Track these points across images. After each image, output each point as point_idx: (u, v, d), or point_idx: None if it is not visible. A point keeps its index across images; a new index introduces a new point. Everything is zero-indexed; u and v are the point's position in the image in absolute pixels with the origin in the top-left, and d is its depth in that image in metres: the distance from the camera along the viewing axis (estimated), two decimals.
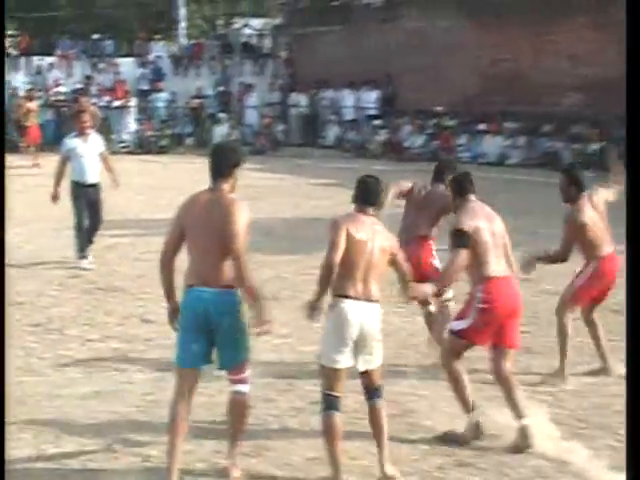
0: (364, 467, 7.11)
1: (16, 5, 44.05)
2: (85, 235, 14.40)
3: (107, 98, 34.22)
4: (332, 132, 35.28)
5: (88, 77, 36.31)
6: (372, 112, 34.47)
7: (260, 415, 8.18)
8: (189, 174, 21.84)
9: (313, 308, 6.97)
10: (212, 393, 8.17)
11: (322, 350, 7.05)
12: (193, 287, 6.82)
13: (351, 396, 7.40)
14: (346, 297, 6.86)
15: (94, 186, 14.38)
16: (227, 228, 6.72)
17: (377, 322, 7.01)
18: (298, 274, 13.33)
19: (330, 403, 6.90)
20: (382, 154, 31.86)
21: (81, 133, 14.47)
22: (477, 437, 7.65)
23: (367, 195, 7.16)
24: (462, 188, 8.10)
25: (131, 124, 34.00)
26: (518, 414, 7.53)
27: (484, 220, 7.78)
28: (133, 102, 35.11)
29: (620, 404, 8.50)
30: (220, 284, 6.74)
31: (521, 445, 7.41)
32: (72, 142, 14.39)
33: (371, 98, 34.76)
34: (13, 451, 7.42)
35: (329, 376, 6.94)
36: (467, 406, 7.76)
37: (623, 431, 7.83)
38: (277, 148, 33.22)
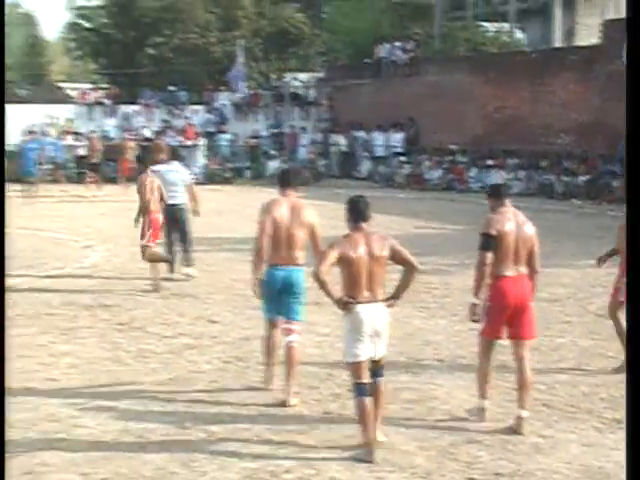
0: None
1: (108, 63, 44.63)
2: (174, 249, 14.41)
3: (180, 138, 34.36)
4: (365, 166, 35.29)
5: (165, 121, 36.51)
6: (398, 150, 34.42)
7: (306, 400, 8.19)
8: (247, 201, 21.98)
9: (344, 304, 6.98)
10: None
11: (345, 349, 7.08)
12: (277, 266, 8.17)
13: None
14: (358, 303, 6.88)
15: (181, 208, 14.38)
16: (305, 221, 8.23)
17: (384, 318, 7.02)
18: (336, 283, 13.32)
19: (360, 390, 6.91)
20: (406, 185, 31.83)
21: (164, 164, 14.50)
22: (482, 420, 7.63)
23: (358, 214, 7.12)
24: (498, 194, 7.97)
25: (200, 160, 34.12)
26: (522, 405, 7.48)
27: (513, 225, 7.61)
28: (202, 142, 35.25)
29: (605, 393, 8.48)
30: (296, 263, 8.22)
31: (518, 430, 7.37)
32: (163, 170, 14.36)
33: (397, 138, 34.74)
34: (102, 426, 7.47)
35: (355, 369, 6.95)
36: (483, 394, 7.73)
37: (607, 415, 7.82)
38: (319, 179, 33.21)
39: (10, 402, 8.02)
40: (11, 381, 8.67)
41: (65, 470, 6.63)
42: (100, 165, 31.49)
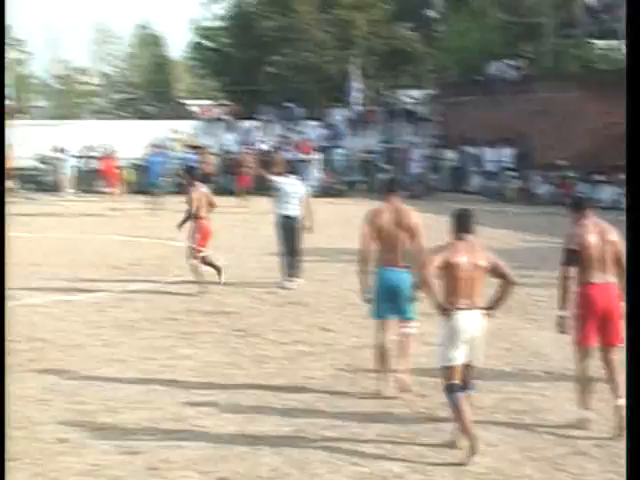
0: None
1: (229, 81, 45.35)
2: (288, 260, 14.56)
3: (296, 153, 34.68)
4: (475, 181, 35.05)
5: (282, 136, 36.90)
6: (508, 165, 34.06)
7: (416, 407, 8.19)
8: (360, 213, 21.86)
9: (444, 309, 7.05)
10: None
11: (440, 353, 7.14)
12: (386, 268, 8.52)
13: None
14: (457, 309, 6.92)
15: (294, 219, 14.53)
16: (409, 224, 8.57)
17: (481, 326, 7.02)
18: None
19: (453, 388, 6.98)
20: (516, 199, 31.47)
21: (280, 176, 14.78)
22: (586, 430, 7.54)
23: (462, 225, 7.21)
24: (579, 206, 7.95)
25: (315, 173, 34.36)
26: (617, 394, 7.41)
27: (595, 235, 7.61)
28: (316, 156, 35.51)
29: None
30: (403, 265, 8.47)
31: (619, 424, 7.25)
32: (279, 182, 14.60)
33: (507, 154, 34.38)
34: (220, 427, 7.58)
35: (449, 372, 7.02)
36: (584, 404, 7.64)
37: None
38: (430, 193, 33.08)
39: (136, 401, 8.25)
40: (136, 382, 8.91)
41: (186, 468, 6.75)
42: (214, 178, 31.67)
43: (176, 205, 27.96)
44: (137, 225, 23.35)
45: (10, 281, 14.80)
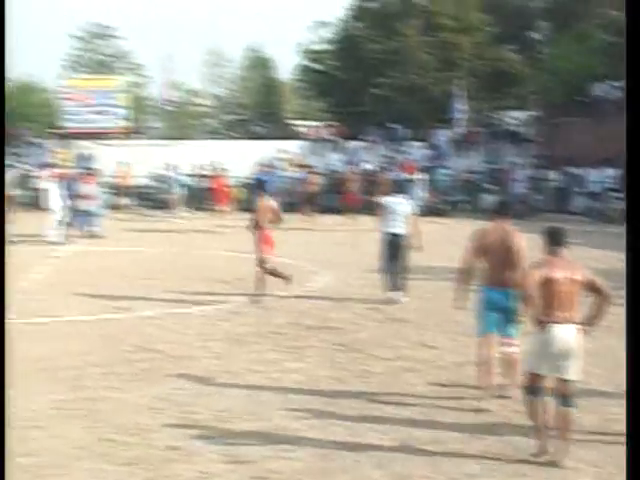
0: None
1: (335, 102, 45.63)
2: (392, 276, 14.54)
3: (401, 173, 34.65)
4: (578, 202, 34.41)
5: (387, 157, 36.91)
6: (611, 186, 33.36)
7: (519, 424, 8.06)
8: (464, 232, 21.68)
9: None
10: None
11: (527, 359, 7.34)
12: (492, 286, 8.64)
13: None
14: (552, 322, 6.95)
15: (401, 237, 14.47)
16: (516, 247, 8.65)
17: (576, 340, 7.02)
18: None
19: (532, 390, 7.12)
20: (619, 220, 30.76)
21: (386, 195, 14.83)
22: None
23: (555, 241, 7.33)
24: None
25: (419, 193, 34.23)
26: None
27: None
28: (420, 176, 35.38)
29: None
30: (508, 285, 8.35)
31: None
32: (386, 201, 14.64)
33: (610, 174, 33.68)
34: (325, 440, 7.58)
35: (532, 378, 7.14)
36: None
37: None
38: (534, 214, 32.58)
39: (245, 412, 8.33)
40: (245, 393, 9.00)
41: (291, 478, 6.77)
42: (318, 197, 31.74)
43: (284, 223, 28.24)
44: (244, 241, 23.60)
45: (125, 293, 15.20)
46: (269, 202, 14.75)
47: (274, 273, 14.58)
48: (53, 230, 22.96)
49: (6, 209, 16.01)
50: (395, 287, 14.42)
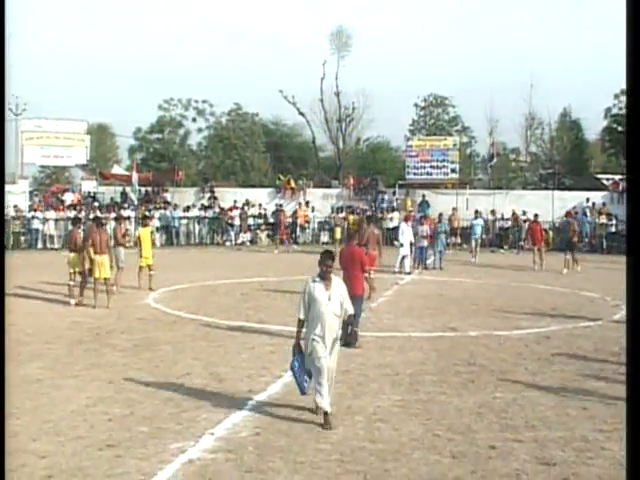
0: None
1: None
2: None
3: None
4: None
5: None
6: None
7: None
8: None
9: None
10: None
11: None
12: None
13: None
14: None
15: None
16: None
17: None
18: None
19: None
20: None
21: None
22: None
23: None
24: None
25: None
26: None
27: None
28: None
29: None
30: None
31: None
32: None
33: None
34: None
35: None
36: None
37: None
38: None
39: (552, 423, 8.07)
40: (550, 404, 8.73)
41: None
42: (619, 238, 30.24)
43: (600, 263, 27.05)
44: (555, 277, 22.89)
45: (454, 315, 15.20)
46: (375, 230, 18.29)
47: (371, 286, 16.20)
48: (400, 262, 23.59)
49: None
50: None
